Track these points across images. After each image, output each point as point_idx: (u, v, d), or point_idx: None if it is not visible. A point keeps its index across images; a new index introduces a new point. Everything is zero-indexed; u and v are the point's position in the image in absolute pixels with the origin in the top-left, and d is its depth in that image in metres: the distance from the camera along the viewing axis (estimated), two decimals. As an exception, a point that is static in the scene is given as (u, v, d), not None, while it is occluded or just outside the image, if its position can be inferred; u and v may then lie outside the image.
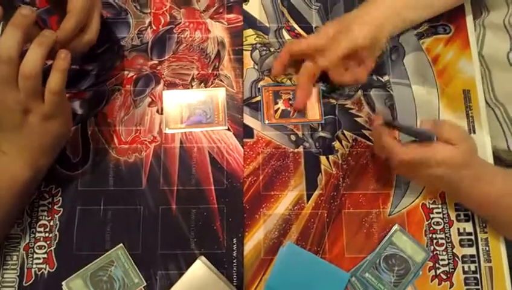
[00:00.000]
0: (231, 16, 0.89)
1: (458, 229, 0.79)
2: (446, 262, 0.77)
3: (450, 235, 0.79)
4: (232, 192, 0.79)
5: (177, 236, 0.77)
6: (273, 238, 0.77)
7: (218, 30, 0.88)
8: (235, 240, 0.77)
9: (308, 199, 0.79)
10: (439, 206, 0.80)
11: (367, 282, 0.76)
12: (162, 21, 0.88)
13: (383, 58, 0.87)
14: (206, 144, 0.81)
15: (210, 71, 0.85)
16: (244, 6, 0.89)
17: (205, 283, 0.72)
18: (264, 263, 0.76)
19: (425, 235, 0.78)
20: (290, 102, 0.84)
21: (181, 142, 0.81)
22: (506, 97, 0.84)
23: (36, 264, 0.75)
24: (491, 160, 0.82)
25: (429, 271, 0.77)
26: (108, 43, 0.85)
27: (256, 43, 0.88)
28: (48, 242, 0.76)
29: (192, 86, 0.84)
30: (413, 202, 0.80)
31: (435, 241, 0.78)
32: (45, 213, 0.77)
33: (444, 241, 0.78)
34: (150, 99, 0.83)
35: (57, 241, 0.76)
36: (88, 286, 0.74)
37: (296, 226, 0.78)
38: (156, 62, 0.85)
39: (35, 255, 0.75)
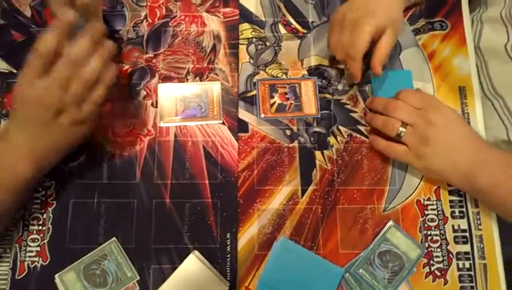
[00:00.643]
0: (227, 9, 0.88)
1: (453, 226, 0.79)
2: (440, 259, 0.77)
3: (444, 232, 0.78)
4: (226, 186, 0.79)
5: (171, 230, 0.76)
6: (267, 233, 0.77)
7: (214, 24, 0.87)
8: (228, 235, 0.77)
9: (302, 194, 0.79)
10: (434, 202, 0.80)
11: (361, 278, 0.76)
12: (158, 14, 0.87)
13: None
14: (200, 137, 0.81)
15: (205, 65, 0.85)
16: (241, 0, 0.89)
17: (198, 277, 0.71)
18: (257, 258, 0.76)
19: (420, 231, 0.78)
20: (286, 96, 0.83)
21: (175, 136, 0.81)
22: (505, 89, 0.84)
23: (29, 257, 0.74)
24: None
25: (423, 268, 0.77)
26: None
27: (252, 37, 0.87)
28: (41, 235, 0.75)
29: (187, 80, 0.84)
30: (408, 198, 0.80)
31: (429, 237, 0.78)
32: (38, 206, 0.77)
33: (438, 238, 0.78)
34: (144, 93, 0.83)
35: (50, 234, 0.76)
36: (81, 279, 0.73)
37: (290, 222, 0.78)
38: (152, 55, 0.85)
39: (28, 248, 0.75)
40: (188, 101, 0.82)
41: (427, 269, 0.77)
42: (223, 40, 0.86)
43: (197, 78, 0.84)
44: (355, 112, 0.84)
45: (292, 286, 0.74)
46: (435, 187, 0.80)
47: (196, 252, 0.73)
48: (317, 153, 0.81)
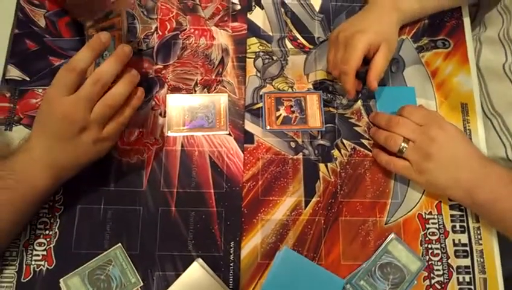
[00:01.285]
0: (236, 24, 0.90)
1: (453, 240, 0.80)
2: (441, 272, 0.78)
3: (445, 245, 0.79)
4: (231, 196, 0.80)
5: (176, 238, 0.77)
6: (270, 243, 0.78)
7: (222, 37, 0.89)
8: (232, 244, 0.78)
9: (306, 206, 0.80)
10: (435, 216, 0.81)
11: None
12: (168, 27, 0.89)
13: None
14: (207, 147, 0.82)
15: (213, 77, 0.86)
16: (249, 15, 0.91)
17: (201, 285, 0.72)
18: (260, 267, 0.77)
19: (421, 245, 0.79)
20: (292, 109, 0.85)
21: (182, 146, 0.82)
22: (503, 107, 0.85)
23: (35, 261, 0.75)
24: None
25: (424, 281, 0.78)
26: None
27: (259, 51, 0.89)
28: (48, 239, 0.76)
29: (195, 91, 0.85)
30: (409, 211, 0.81)
31: (430, 251, 0.79)
32: (46, 211, 0.78)
33: (439, 251, 0.79)
34: (153, 102, 0.84)
35: (56, 238, 0.77)
36: (85, 284, 0.74)
37: (293, 232, 0.79)
38: (161, 66, 0.87)
39: (34, 252, 0.76)
40: (195, 112, 0.84)
41: (427, 282, 0.78)
42: (231, 54, 0.88)
43: (205, 89, 0.86)
44: (359, 126, 0.85)
45: (294, 295, 0.75)
46: (436, 201, 0.81)
47: (200, 259, 0.74)
48: (321, 166, 0.83)
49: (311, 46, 0.90)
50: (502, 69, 0.85)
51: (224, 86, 0.86)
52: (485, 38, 0.92)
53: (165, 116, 0.84)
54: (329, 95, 0.87)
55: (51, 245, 0.76)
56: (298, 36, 0.91)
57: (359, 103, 0.87)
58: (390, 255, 0.78)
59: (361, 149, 0.84)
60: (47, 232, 0.77)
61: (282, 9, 0.92)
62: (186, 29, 0.90)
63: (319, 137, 0.84)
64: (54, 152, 0.69)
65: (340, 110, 0.86)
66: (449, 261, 0.79)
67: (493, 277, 0.79)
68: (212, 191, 0.80)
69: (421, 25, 0.93)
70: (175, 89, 0.85)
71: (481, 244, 0.80)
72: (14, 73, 0.84)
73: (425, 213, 0.81)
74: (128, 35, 0.82)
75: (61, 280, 0.74)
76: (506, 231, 0.76)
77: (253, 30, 0.90)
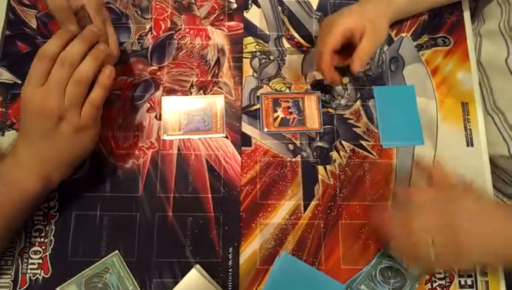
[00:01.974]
0: (232, 23, 0.89)
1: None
2: (442, 276, 0.77)
3: (446, 248, 0.79)
4: (229, 200, 0.79)
5: (173, 244, 0.76)
6: (269, 248, 0.77)
7: (218, 37, 0.88)
8: (231, 249, 0.77)
9: (305, 209, 0.79)
10: (436, 218, 0.80)
11: None
12: (163, 27, 0.88)
13: (383, 68, 0.87)
14: (203, 151, 0.81)
15: (209, 78, 0.85)
16: (245, 14, 0.89)
17: (200, 291, 0.72)
18: (259, 272, 0.76)
19: (422, 247, 0.78)
20: (290, 110, 0.84)
21: (179, 149, 0.81)
22: (506, 104, 0.84)
23: (31, 269, 0.74)
24: (488, 172, 0.82)
25: (425, 284, 0.77)
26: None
27: (256, 51, 0.87)
28: (43, 247, 0.75)
29: (191, 93, 0.84)
30: (410, 214, 0.80)
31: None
32: (41, 218, 0.77)
33: (440, 253, 0.78)
34: (148, 105, 0.83)
35: (52, 246, 0.76)
36: (82, 292, 0.74)
37: (292, 236, 0.78)
38: (156, 68, 0.85)
39: (30, 261, 0.75)
40: (191, 115, 0.83)
41: (429, 285, 0.77)
42: (227, 54, 0.87)
43: (201, 91, 0.84)
44: (358, 126, 0.84)
45: (294, 301, 0.74)
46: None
47: (198, 266, 0.73)
48: (320, 168, 0.81)
49: (308, 45, 0.89)
50: (505, 63, 0.83)
51: (220, 87, 0.85)
52: (484, 32, 0.90)
53: (160, 119, 0.82)
54: (327, 96, 0.85)
55: (47, 253, 0.75)
56: (295, 35, 0.89)
57: (358, 103, 0.85)
58: (391, 259, 0.77)
59: (361, 151, 0.83)
60: (42, 239, 0.76)
61: (279, 8, 0.90)
62: (181, 29, 0.88)
63: (318, 139, 0.83)
64: (38, 151, 0.67)
65: (338, 111, 0.85)
66: (450, 264, 0.78)
67: (496, 281, 0.78)
68: (209, 195, 0.79)
69: (421, 22, 0.91)
70: (170, 91, 0.84)
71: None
72: (6, 76, 0.83)
73: (425, 215, 0.80)
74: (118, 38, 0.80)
75: (57, 289, 0.73)
76: None
77: (250, 29, 0.89)
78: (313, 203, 0.80)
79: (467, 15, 0.92)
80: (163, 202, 0.78)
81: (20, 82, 0.82)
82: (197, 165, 0.80)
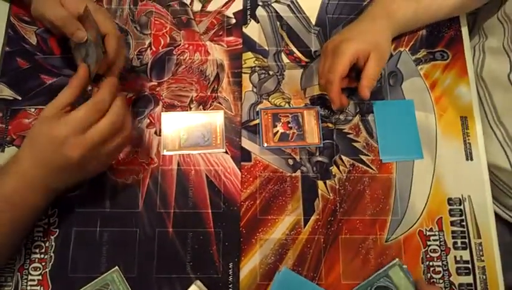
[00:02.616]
0: (231, 38, 0.89)
1: (455, 257, 0.79)
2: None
3: (447, 263, 0.78)
4: (229, 216, 0.79)
5: (173, 259, 0.76)
6: (269, 263, 0.77)
7: (217, 52, 0.88)
8: (231, 265, 0.76)
9: (305, 224, 0.79)
10: (436, 233, 0.80)
11: None
12: (162, 42, 0.88)
13: (382, 83, 0.87)
14: (203, 166, 0.81)
15: (209, 93, 0.85)
16: (244, 29, 0.90)
17: (200, 307, 0.71)
18: (259, 288, 0.76)
19: (422, 262, 0.78)
20: (289, 125, 0.84)
21: (178, 165, 0.81)
22: (509, 118, 0.84)
23: (30, 286, 0.74)
24: (488, 186, 0.82)
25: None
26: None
27: (255, 66, 0.88)
28: (43, 264, 0.75)
29: (190, 108, 0.84)
30: (410, 228, 0.80)
31: (431, 268, 0.78)
32: (41, 234, 0.76)
33: (440, 269, 0.78)
34: (148, 121, 0.83)
35: (52, 262, 0.75)
36: (82, 308, 0.73)
37: (292, 251, 0.78)
38: (155, 83, 0.85)
39: (29, 277, 0.74)
40: (191, 130, 0.83)
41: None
42: (226, 69, 0.87)
43: (201, 106, 0.84)
44: (358, 141, 0.84)
45: (294, 317, 0.74)
46: (437, 218, 0.80)
47: (198, 282, 0.73)
48: (320, 183, 0.81)
49: (307, 60, 0.89)
50: (507, 78, 0.84)
51: (220, 103, 0.85)
52: (488, 48, 0.91)
53: (160, 135, 0.82)
54: (326, 110, 0.85)
55: (47, 269, 0.75)
56: (294, 50, 0.90)
57: (357, 117, 0.85)
58: (389, 280, 0.77)
59: (360, 165, 0.83)
60: (42, 256, 0.75)
61: (278, 23, 0.91)
62: (180, 44, 0.88)
63: (317, 154, 0.83)
64: (46, 174, 0.67)
65: (338, 126, 0.85)
66: (451, 278, 0.78)
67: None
68: (209, 211, 0.79)
69: (419, 37, 0.91)
70: (170, 106, 0.84)
71: (483, 260, 0.79)
72: (6, 92, 0.83)
73: (426, 230, 0.80)
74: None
75: (57, 305, 0.73)
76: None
77: (249, 44, 0.89)
78: (313, 218, 0.80)
79: (464, 30, 0.92)
80: (164, 217, 0.78)
81: (20, 98, 0.82)
82: (197, 180, 0.80)
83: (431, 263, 0.78)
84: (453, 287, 0.77)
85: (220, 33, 0.89)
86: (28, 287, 0.74)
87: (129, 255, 0.76)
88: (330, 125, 0.85)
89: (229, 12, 0.91)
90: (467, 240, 0.80)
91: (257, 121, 0.84)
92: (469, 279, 0.78)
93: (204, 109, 0.84)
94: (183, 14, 0.90)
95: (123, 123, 0.68)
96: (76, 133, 0.64)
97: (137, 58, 0.87)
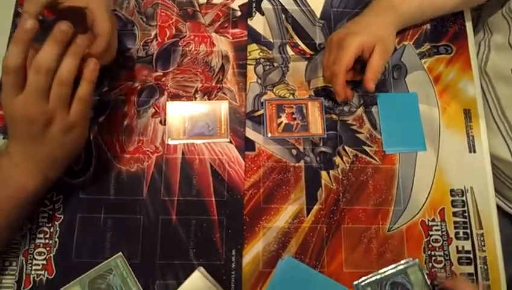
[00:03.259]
0: (236, 30, 0.90)
1: (457, 247, 0.79)
2: (444, 280, 0.77)
3: (448, 253, 0.79)
4: (232, 204, 0.79)
5: (177, 246, 0.77)
6: (272, 251, 0.78)
7: (222, 44, 0.89)
8: (234, 252, 0.77)
9: (308, 213, 0.80)
10: (438, 223, 0.80)
11: None
12: (168, 33, 0.89)
13: (385, 76, 0.88)
14: (207, 155, 0.82)
15: (214, 84, 0.86)
16: (249, 22, 0.91)
17: (203, 293, 0.72)
18: (262, 275, 0.76)
19: (424, 252, 0.79)
20: (293, 116, 0.84)
21: (183, 153, 0.81)
22: None
23: (35, 270, 0.75)
24: (490, 178, 0.83)
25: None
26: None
27: (260, 58, 0.88)
28: (48, 249, 0.76)
29: (195, 98, 0.85)
30: (412, 218, 0.80)
31: (433, 258, 0.78)
32: (46, 220, 0.77)
33: (442, 258, 0.78)
34: (153, 110, 0.84)
35: (56, 248, 0.76)
36: (86, 293, 0.74)
37: (295, 240, 0.78)
38: (161, 74, 0.86)
39: (34, 262, 0.75)
40: (195, 120, 0.83)
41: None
42: (231, 60, 0.88)
43: (205, 96, 0.85)
44: (361, 132, 0.85)
45: (296, 304, 0.74)
46: (440, 208, 0.81)
47: (201, 268, 0.74)
48: (323, 173, 0.82)
49: (312, 53, 0.90)
50: (511, 72, 0.84)
51: (224, 93, 0.85)
52: (494, 44, 0.91)
53: (165, 124, 0.83)
54: (330, 102, 0.86)
55: (51, 254, 0.76)
56: (299, 42, 0.90)
57: (361, 109, 0.86)
58: (407, 278, 0.77)
59: (364, 156, 0.83)
60: (47, 241, 0.76)
61: (283, 16, 0.92)
62: (185, 36, 0.89)
63: (321, 144, 0.83)
64: (31, 153, 0.68)
65: (342, 117, 0.85)
66: (452, 268, 0.78)
67: (497, 284, 0.78)
68: (213, 199, 0.79)
69: (423, 31, 0.92)
70: (175, 97, 0.85)
71: (484, 251, 0.79)
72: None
73: (428, 220, 0.80)
74: None
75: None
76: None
77: (254, 36, 0.90)
78: (316, 207, 0.80)
79: (469, 25, 0.93)
80: (167, 205, 0.79)
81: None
82: (201, 169, 0.81)
83: (433, 253, 0.79)
84: (455, 277, 0.77)
85: (226, 25, 0.90)
86: (33, 272, 0.75)
87: (133, 242, 0.77)
88: (334, 116, 0.85)
89: (235, 4, 0.92)
90: (468, 231, 0.80)
91: (261, 112, 0.85)
92: (470, 269, 0.78)
93: (209, 99, 0.85)
94: (189, 6, 0.91)
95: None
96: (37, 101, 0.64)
97: (143, 49, 0.88)
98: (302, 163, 0.82)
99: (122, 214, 0.78)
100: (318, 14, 0.92)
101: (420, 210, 0.81)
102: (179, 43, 0.89)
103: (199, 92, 0.85)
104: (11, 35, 0.86)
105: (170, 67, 0.87)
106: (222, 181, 0.80)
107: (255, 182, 0.81)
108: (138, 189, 0.79)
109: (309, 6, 0.93)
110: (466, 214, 0.81)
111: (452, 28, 0.92)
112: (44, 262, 0.75)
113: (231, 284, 0.76)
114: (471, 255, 0.79)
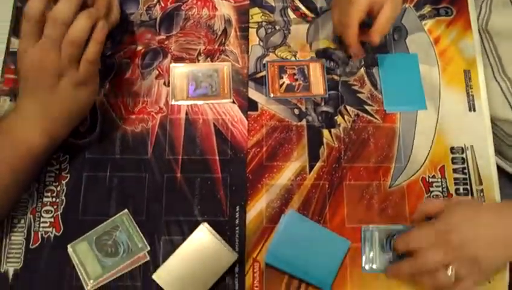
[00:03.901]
0: (238, -6, 0.91)
1: (457, 202, 0.80)
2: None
3: (449, 208, 0.80)
4: (235, 162, 0.81)
5: (181, 203, 0.78)
6: (275, 207, 0.79)
7: (225, 8, 0.90)
8: (237, 208, 0.78)
9: (310, 170, 0.81)
10: (439, 180, 0.81)
11: (371, 237, 0.78)
12: (171, -2, 0.90)
13: (386, 37, 0.89)
14: (211, 116, 0.83)
15: (216, 46, 0.87)
16: (251, -14, 0.91)
17: (208, 248, 0.73)
18: (265, 230, 0.78)
19: (425, 208, 0.80)
20: (295, 77, 0.85)
21: (187, 114, 0.83)
22: None
23: (43, 227, 0.76)
24: (490, 135, 0.84)
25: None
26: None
27: (262, 21, 0.89)
28: (55, 207, 0.77)
29: (198, 60, 0.86)
30: (413, 175, 0.81)
31: (434, 214, 0.79)
32: (52, 179, 0.79)
33: (443, 214, 0.79)
34: (157, 72, 0.85)
35: (63, 206, 0.77)
36: (93, 249, 0.75)
37: (297, 196, 0.79)
38: (164, 37, 0.87)
39: (42, 219, 0.77)
40: (199, 81, 0.84)
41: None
42: (233, 24, 0.89)
43: (208, 59, 0.86)
44: (362, 92, 0.85)
45: (299, 257, 0.75)
46: (440, 165, 0.82)
47: (206, 224, 0.75)
48: (325, 132, 0.83)
49: (313, 16, 0.90)
50: None
51: (227, 55, 0.86)
52: (495, 5, 0.91)
53: (169, 86, 0.84)
54: (332, 63, 0.87)
55: (58, 212, 0.77)
56: (300, 6, 0.91)
57: (362, 70, 0.87)
58: None
59: (365, 115, 0.84)
60: (54, 199, 0.78)
61: (285, -21, 0.92)
62: (188, 0, 0.90)
63: (323, 104, 0.84)
64: (41, 106, 0.69)
65: (343, 78, 0.86)
66: (453, 223, 0.79)
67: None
68: (217, 157, 0.81)
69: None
70: (178, 59, 0.86)
71: (485, 207, 0.80)
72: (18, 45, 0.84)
73: (428, 177, 0.81)
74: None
75: (69, 246, 0.75)
76: None
77: (256, 0, 0.91)
78: (318, 164, 0.81)
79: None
80: (172, 163, 0.80)
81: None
82: (204, 129, 0.82)
83: (434, 208, 0.80)
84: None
85: (228, -11, 0.91)
86: (41, 229, 0.76)
87: (138, 199, 0.78)
88: (335, 77, 0.86)
89: (237, -31, 0.93)
90: (468, 187, 0.81)
91: (263, 73, 0.86)
92: (471, 223, 0.79)
93: (212, 62, 0.86)
94: (191, -29, 0.92)
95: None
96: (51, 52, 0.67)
97: (146, 14, 0.89)
98: (304, 122, 0.83)
99: (127, 173, 0.79)
100: (319, -22, 0.93)
101: (421, 167, 0.81)
102: (182, 8, 0.89)
103: (202, 55, 0.86)
104: (16, 1, 0.88)
105: (173, 31, 0.88)
106: (225, 140, 0.82)
107: (258, 140, 0.82)
108: (143, 148, 0.81)
109: (310, -31, 0.94)
110: (466, 171, 0.82)
111: (452, -10, 0.93)
112: (52, 220, 0.77)
113: (235, 240, 0.77)
114: (471, 210, 0.80)
